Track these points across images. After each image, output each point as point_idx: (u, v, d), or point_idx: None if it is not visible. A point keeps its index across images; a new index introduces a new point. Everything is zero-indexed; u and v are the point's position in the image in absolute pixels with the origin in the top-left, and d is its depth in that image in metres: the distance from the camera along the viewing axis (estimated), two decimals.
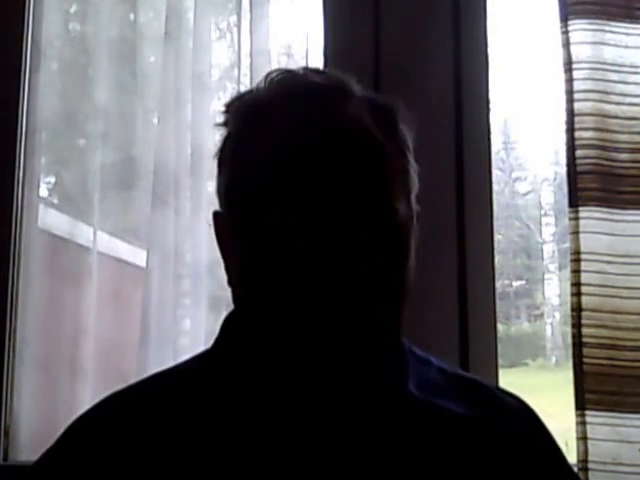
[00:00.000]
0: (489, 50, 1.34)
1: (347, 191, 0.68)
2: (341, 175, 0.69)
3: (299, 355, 0.70)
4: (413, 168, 0.76)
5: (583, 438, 1.17)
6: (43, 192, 1.55)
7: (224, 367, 0.74)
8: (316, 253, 0.67)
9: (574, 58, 1.25)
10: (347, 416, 0.70)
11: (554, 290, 1.93)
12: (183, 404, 0.71)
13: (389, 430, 0.70)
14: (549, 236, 1.95)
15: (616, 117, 1.24)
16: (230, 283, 0.76)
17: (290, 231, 0.68)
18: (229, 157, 0.76)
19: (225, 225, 0.76)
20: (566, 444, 0.98)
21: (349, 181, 0.69)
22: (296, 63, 1.55)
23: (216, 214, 0.78)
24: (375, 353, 0.71)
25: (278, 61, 1.55)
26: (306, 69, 0.79)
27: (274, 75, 0.76)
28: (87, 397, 1.37)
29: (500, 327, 1.46)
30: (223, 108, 0.77)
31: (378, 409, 0.71)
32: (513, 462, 0.73)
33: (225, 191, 0.76)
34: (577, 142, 1.23)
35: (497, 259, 1.30)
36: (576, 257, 1.21)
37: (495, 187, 1.32)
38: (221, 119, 0.77)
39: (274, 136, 0.72)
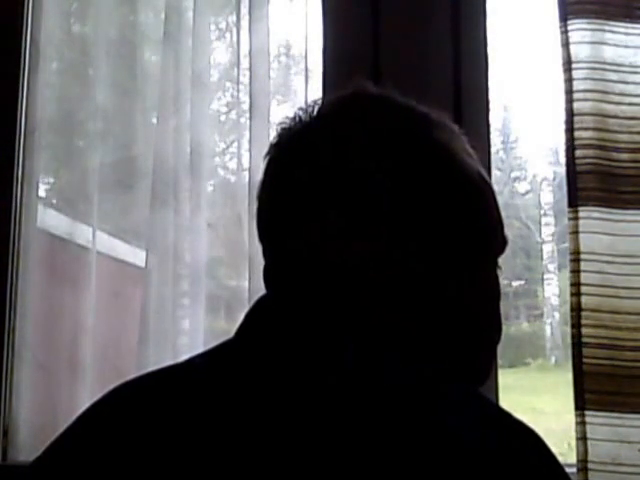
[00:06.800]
0: (489, 50, 1.34)
1: None
2: None
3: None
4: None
5: (583, 438, 1.17)
6: (42, 192, 1.54)
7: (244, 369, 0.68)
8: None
9: (573, 58, 1.25)
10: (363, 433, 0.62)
11: (553, 290, 1.93)
12: (186, 403, 0.66)
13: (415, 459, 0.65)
14: (548, 236, 1.95)
15: (616, 117, 1.24)
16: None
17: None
18: None
19: None
20: (569, 445, 0.97)
21: None
22: (296, 63, 1.55)
23: None
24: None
25: (278, 61, 1.55)
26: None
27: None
28: (86, 397, 1.37)
29: None
30: None
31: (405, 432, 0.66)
32: None
33: None
34: (577, 142, 1.23)
35: None
36: (575, 257, 1.21)
37: (495, 187, 1.31)
38: None
39: None
